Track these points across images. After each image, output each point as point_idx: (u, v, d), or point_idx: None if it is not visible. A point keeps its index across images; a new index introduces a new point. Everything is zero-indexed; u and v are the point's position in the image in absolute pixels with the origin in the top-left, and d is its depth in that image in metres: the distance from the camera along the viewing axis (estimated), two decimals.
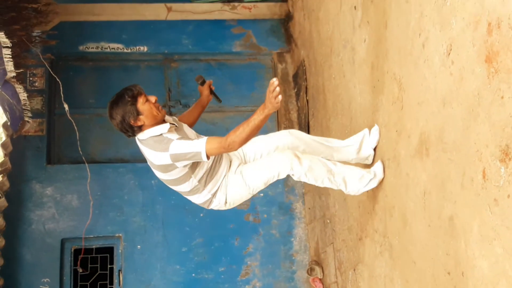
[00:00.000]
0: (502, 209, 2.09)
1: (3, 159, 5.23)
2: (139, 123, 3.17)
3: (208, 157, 3.06)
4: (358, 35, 3.83)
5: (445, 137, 2.55)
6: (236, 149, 3.08)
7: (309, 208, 5.73)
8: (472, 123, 2.28)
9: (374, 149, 3.55)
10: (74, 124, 5.56)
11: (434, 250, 2.72)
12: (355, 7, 3.87)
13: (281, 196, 6.00)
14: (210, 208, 3.53)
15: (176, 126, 3.29)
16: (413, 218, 2.98)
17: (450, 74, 2.46)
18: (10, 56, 4.36)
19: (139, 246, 5.69)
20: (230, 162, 3.48)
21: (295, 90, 6.18)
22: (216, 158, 3.39)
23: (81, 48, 6.16)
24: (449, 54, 2.46)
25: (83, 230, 5.57)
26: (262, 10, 6.45)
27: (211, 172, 3.36)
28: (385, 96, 3.33)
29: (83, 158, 5.66)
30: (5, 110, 4.75)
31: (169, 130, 3.18)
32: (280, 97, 2.86)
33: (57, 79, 5.59)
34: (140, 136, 3.24)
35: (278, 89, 2.84)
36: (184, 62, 6.44)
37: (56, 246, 5.59)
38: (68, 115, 5.47)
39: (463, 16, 2.32)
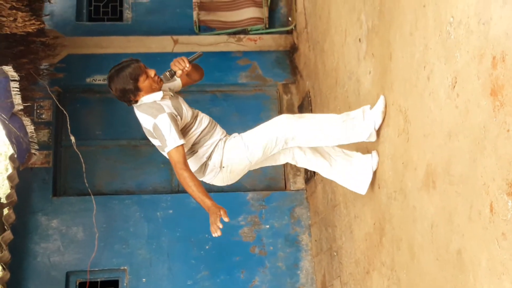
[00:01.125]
0: (510, 243, 2.06)
1: (9, 191, 5.24)
2: (138, 98, 3.35)
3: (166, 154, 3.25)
4: (363, 66, 3.84)
5: (451, 170, 2.54)
6: (178, 177, 3.22)
7: (316, 240, 5.69)
8: (479, 156, 2.27)
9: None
10: (80, 156, 5.57)
11: (443, 284, 2.68)
12: (359, 39, 3.90)
13: (287, 228, 5.96)
14: (206, 177, 3.53)
15: (171, 95, 3.43)
16: (421, 251, 2.94)
17: (455, 107, 2.46)
18: (18, 89, 4.40)
19: (144, 279, 5.65)
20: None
21: None
22: (209, 125, 3.49)
23: (88, 80, 6.21)
24: (454, 87, 2.46)
25: (88, 263, 5.54)
26: (268, 42, 6.51)
27: (203, 137, 3.44)
28: (390, 127, 3.33)
29: (89, 190, 5.66)
30: (12, 143, 4.77)
31: (163, 98, 3.33)
32: (217, 233, 3.01)
33: (64, 111, 5.63)
34: (137, 103, 3.39)
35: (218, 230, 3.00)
36: (189, 93, 6.46)
37: (61, 279, 5.56)
38: (75, 147, 5.49)
39: (467, 49, 2.33)
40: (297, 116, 3.48)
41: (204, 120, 3.49)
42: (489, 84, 2.16)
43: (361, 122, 3.39)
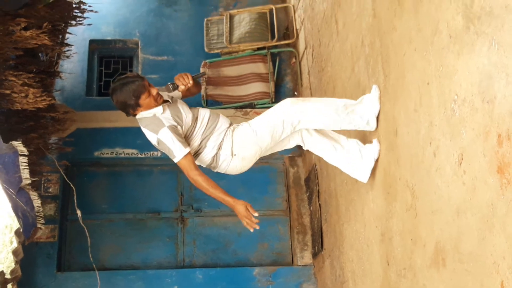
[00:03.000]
0: None
1: (14, 266, 5.18)
2: (137, 112, 3.45)
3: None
4: (369, 141, 3.86)
5: (461, 247, 2.50)
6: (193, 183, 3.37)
7: None
8: (488, 234, 2.24)
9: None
10: (86, 230, 5.54)
11: None
12: None
13: None
14: (220, 167, 3.59)
15: (169, 102, 3.50)
16: None
17: (462, 183, 2.45)
18: (27, 164, 4.43)
19: None
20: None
21: (307, 194, 6.17)
22: (211, 120, 3.52)
23: (96, 153, 6.27)
24: (461, 163, 2.46)
25: None
26: None
27: (208, 133, 3.50)
28: (398, 203, 3.31)
29: (94, 265, 5.59)
30: (18, 217, 4.76)
31: (162, 111, 3.41)
32: (253, 226, 3.29)
33: (71, 185, 5.64)
34: (137, 116, 3.49)
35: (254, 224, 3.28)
36: None
37: None
38: (81, 222, 5.47)
39: (472, 126, 2.35)
40: (302, 99, 3.58)
41: (204, 117, 3.54)
42: (495, 162, 2.16)
43: (361, 108, 3.54)
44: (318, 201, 5.63)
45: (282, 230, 6.25)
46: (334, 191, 4.94)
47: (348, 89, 4.35)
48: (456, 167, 2.51)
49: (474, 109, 2.32)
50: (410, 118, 3.07)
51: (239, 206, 3.28)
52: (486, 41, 2.20)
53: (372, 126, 3.58)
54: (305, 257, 6.04)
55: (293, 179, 6.38)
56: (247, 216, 3.26)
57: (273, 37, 6.79)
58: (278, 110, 3.51)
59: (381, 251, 3.68)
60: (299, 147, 6.37)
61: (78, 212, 5.43)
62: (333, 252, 5.08)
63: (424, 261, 2.93)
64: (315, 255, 5.85)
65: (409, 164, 3.11)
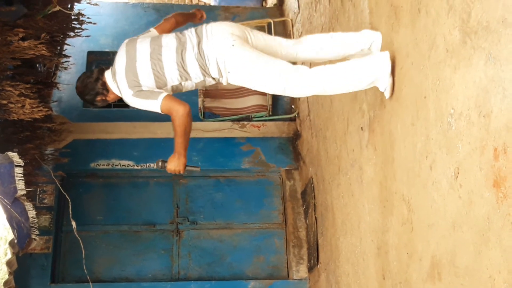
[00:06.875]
0: None
1: (7, 277, 5.15)
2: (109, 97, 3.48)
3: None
4: (366, 155, 3.87)
5: (456, 261, 2.49)
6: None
7: None
8: (484, 248, 2.23)
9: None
10: (80, 241, 5.51)
11: None
12: (361, 127, 3.95)
13: None
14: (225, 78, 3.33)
15: None
16: None
17: (459, 197, 2.45)
18: (22, 175, 4.41)
19: None
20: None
21: (304, 207, 6.16)
22: (177, 52, 3.31)
23: (92, 165, 6.25)
24: (457, 177, 2.46)
25: None
26: (271, 129, 6.59)
27: (181, 73, 3.33)
28: (394, 217, 3.30)
29: (88, 277, 5.55)
30: (13, 228, 4.73)
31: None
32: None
33: (67, 196, 5.62)
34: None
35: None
36: (193, 178, 6.49)
37: None
38: (75, 233, 5.44)
39: (468, 140, 2.35)
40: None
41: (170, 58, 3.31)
42: (491, 176, 2.17)
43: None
44: (314, 214, 5.62)
45: (278, 243, 6.23)
46: (331, 205, 4.93)
47: (345, 103, 4.36)
48: (452, 180, 2.52)
49: (471, 123, 2.33)
50: (406, 131, 3.08)
51: (182, 160, 3.28)
52: (483, 55, 2.21)
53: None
54: (300, 271, 6.02)
55: (289, 192, 6.37)
56: (177, 171, 3.28)
57: None
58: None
59: (377, 265, 3.66)
60: (296, 161, 6.42)
61: (73, 224, 5.40)
62: (329, 266, 5.06)
63: (420, 275, 2.92)
64: (310, 268, 5.83)
65: (406, 177, 3.11)
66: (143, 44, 3.34)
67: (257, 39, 3.39)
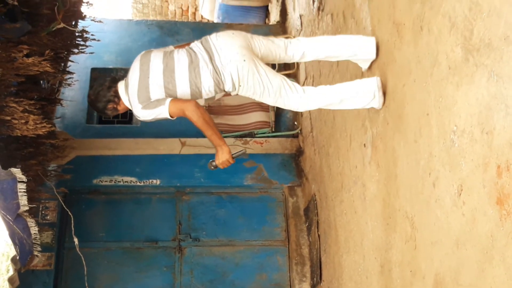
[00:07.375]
0: None
1: None
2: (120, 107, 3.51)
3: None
4: (368, 171, 3.86)
5: (460, 279, 2.47)
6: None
7: None
8: (487, 266, 2.22)
9: None
10: (82, 258, 5.50)
11: None
12: (364, 144, 3.94)
13: None
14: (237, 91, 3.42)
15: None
16: None
17: (462, 214, 2.44)
18: (25, 191, 4.40)
19: None
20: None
21: (306, 224, 6.14)
22: (190, 66, 3.35)
23: (95, 181, 6.25)
24: (460, 194, 2.46)
25: None
26: (274, 145, 6.60)
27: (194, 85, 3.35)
28: (397, 234, 3.29)
29: None
30: (15, 244, 4.72)
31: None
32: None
33: (69, 213, 5.61)
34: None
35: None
36: (195, 195, 6.48)
37: None
38: (78, 250, 5.43)
39: (471, 158, 2.35)
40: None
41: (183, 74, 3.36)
42: (495, 193, 2.16)
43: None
44: (317, 231, 5.59)
45: (280, 261, 6.20)
46: (334, 222, 4.91)
47: (348, 120, 4.36)
48: (455, 198, 2.51)
49: (474, 140, 2.33)
50: (409, 148, 3.07)
51: (225, 149, 3.37)
52: (485, 73, 2.21)
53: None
54: None
55: (292, 209, 6.35)
56: (227, 162, 3.38)
57: (273, 67, 6.83)
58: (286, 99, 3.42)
59: (380, 283, 3.64)
60: (298, 177, 6.40)
61: (76, 240, 5.39)
62: (332, 283, 5.03)
63: None
64: (313, 286, 5.79)
65: (409, 194, 3.10)
66: (156, 60, 3.39)
67: (260, 44, 3.49)
